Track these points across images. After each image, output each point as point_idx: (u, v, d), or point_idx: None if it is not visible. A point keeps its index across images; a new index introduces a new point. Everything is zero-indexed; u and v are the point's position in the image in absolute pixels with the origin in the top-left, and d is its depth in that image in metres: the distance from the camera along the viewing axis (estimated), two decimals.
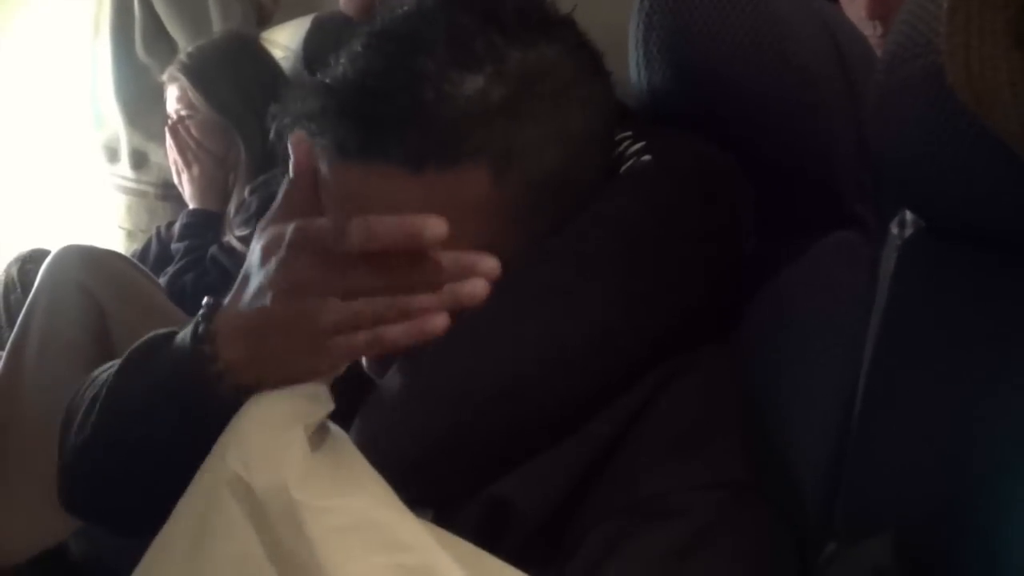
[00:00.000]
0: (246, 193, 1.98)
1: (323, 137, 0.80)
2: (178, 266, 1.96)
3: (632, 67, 0.93)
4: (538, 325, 0.79)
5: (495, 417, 0.78)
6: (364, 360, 0.84)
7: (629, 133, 0.88)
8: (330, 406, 0.74)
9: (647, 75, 0.92)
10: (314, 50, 2.07)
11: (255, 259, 0.79)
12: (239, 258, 1.87)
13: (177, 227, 2.06)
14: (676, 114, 0.92)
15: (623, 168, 0.86)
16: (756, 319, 0.89)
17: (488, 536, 0.72)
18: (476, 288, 0.73)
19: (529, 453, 0.78)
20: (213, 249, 1.95)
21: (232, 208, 2.01)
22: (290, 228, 0.76)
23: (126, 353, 0.90)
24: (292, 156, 0.82)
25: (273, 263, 0.77)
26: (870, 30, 1.40)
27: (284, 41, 2.18)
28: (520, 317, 0.79)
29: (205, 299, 0.85)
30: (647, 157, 0.85)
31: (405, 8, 0.82)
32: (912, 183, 0.74)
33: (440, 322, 0.73)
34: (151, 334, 0.90)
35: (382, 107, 0.77)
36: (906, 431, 0.76)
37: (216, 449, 0.74)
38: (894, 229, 0.83)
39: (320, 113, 0.79)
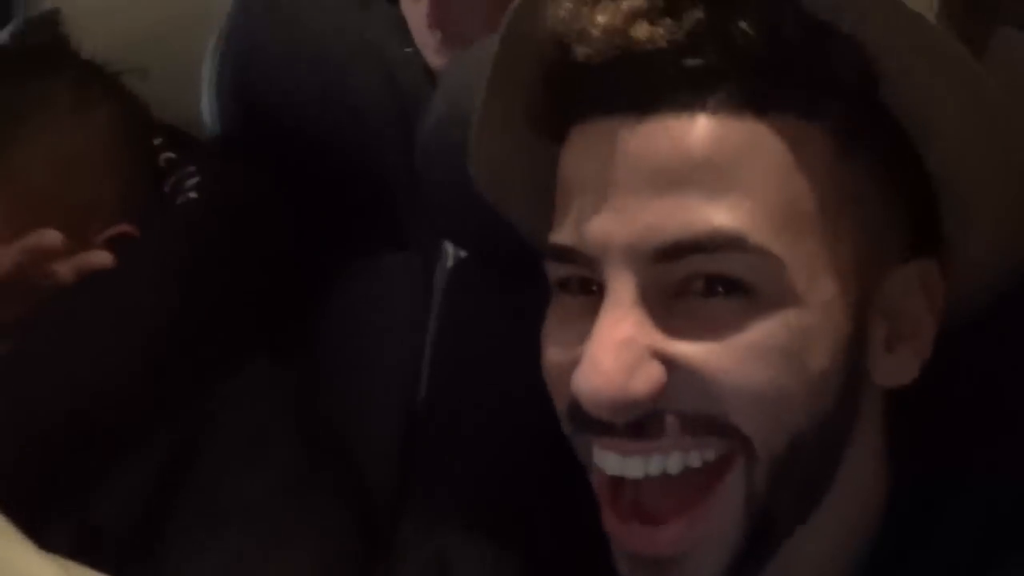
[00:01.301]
0: None
1: None
2: None
3: (205, 102, 1.00)
4: (89, 355, 0.85)
5: (50, 443, 0.83)
6: None
7: (192, 167, 0.96)
8: None
9: (219, 114, 1.00)
10: None
11: None
12: None
13: None
14: (245, 142, 1.00)
15: (178, 200, 0.94)
16: (328, 332, 0.98)
17: (80, 556, 0.77)
18: None
19: (98, 473, 0.84)
20: None
21: None
22: None
23: None
24: None
25: None
26: (430, 39, 1.46)
27: None
28: (73, 347, 0.86)
29: None
30: (194, 194, 0.94)
31: None
32: (450, 221, 0.86)
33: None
34: None
35: None
36: (467, 421, 0.88)
37: None
38: (447, 250, 0.94)
39: None
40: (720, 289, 0.55)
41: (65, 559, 0.73)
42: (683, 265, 0.55)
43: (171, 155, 0.98)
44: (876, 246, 0.58)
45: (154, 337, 0.87)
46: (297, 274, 0.98)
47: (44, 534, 0.74)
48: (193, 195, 0.94)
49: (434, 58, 1.18)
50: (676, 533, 0.57)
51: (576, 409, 0.57)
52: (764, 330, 0.55)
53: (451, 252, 0.95)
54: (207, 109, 1.02)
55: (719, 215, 0.54)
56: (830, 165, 0.56)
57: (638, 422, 0.56)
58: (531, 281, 0.64)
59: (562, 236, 0.59)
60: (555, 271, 0.61)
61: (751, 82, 0.55)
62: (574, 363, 0.56)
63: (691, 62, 0.55)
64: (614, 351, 0.54)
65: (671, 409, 0.56)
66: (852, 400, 0.59)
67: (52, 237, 0.89)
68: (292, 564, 0.82)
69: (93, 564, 0.76)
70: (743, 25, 0.54)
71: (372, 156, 0.98)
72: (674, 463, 0.57)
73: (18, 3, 2.15)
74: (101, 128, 0.94)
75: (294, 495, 0.85)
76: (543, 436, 0.65)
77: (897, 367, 0.60)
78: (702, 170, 0.55)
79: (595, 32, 0.56)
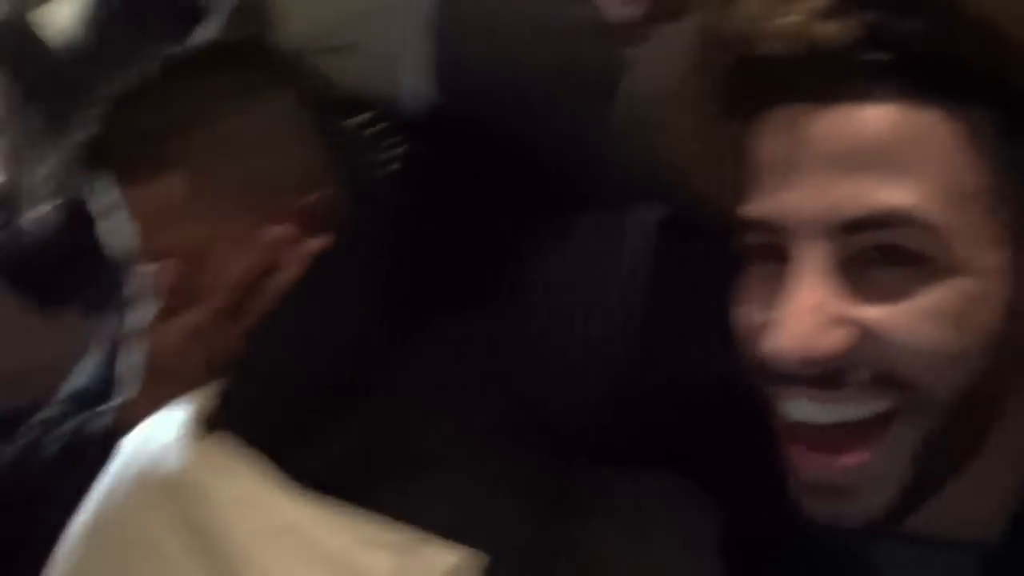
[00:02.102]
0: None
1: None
2: None
3: (408, 77, 1.06)
4: (319, 321, 0.96)
5: (278, 399, 0.93)
6: None
7: (395, 141, 1.03)
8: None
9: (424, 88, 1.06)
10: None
11: None
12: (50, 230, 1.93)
13: None
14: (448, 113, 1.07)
15: (379, 174, 1.02)
16: (524, 289, 1.04)
17: None
18: None
19: (315, 431, 0.92)
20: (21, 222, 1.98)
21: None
22: None
23: None
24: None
25: None
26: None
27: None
28: (305, 317, 0.96)
29: None
30: (396, 167, 1.02)
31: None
32: (644, 187, 0.93)
33: None
34: None
35: (113, 135, 0.98)
36: (662, 370, 0.96)
37: (123, 449, 0.89)
38: (642, 212, 1.02)
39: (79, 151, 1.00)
40: (896, 259, 0.63)
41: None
42: (864, 238, 0.63)
43: (373, 130, 1.04)
44: None
45: (371, 302, 0.96)
46: (496, 235, 1.06)
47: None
48: (395, 167, 1.02)
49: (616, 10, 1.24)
50: (854, 461, 0.65)
51: (766, 365, 0.65)
52: (935, 295, 0.62)
53: (646, 214, 1.02)
54: (410, 84, 1.06)
55: (894, 194, 0.62)
56: (993, 147, 0.63)
57: (822, 375, 0.64)
58: (720, 244, 0.72)
59: (754, 209, 0.67)
60: (749, 240, 0.69)
61: (921, 74, 0.62)
62: (764, 325, 0.65)
63: (867, 56, 0.62)
64: (804, 316, 0.63)
65: (853, 366, 0.64)
66: (1016, 357, 0.65)
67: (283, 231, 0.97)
68: (494, 502, 0.90)
69: None
70: (914, 23, 0.61)
71: (572, 121, 1.05)
72: (852, 411, 0.65)
73: None
74: (292, 109, 1.01)
75: (493, 440, 0.93)
76: (734, 385, 0.72)
77: None
78: (878, 154, 0.62)
79: (781, 30, 0.64)
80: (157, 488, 0.84)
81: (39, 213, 1.92)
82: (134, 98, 0.98)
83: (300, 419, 0.92)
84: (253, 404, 0.92)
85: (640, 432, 0.96)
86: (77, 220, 1.80)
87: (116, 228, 1.00)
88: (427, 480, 0.90)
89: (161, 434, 0.87)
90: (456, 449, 0.92)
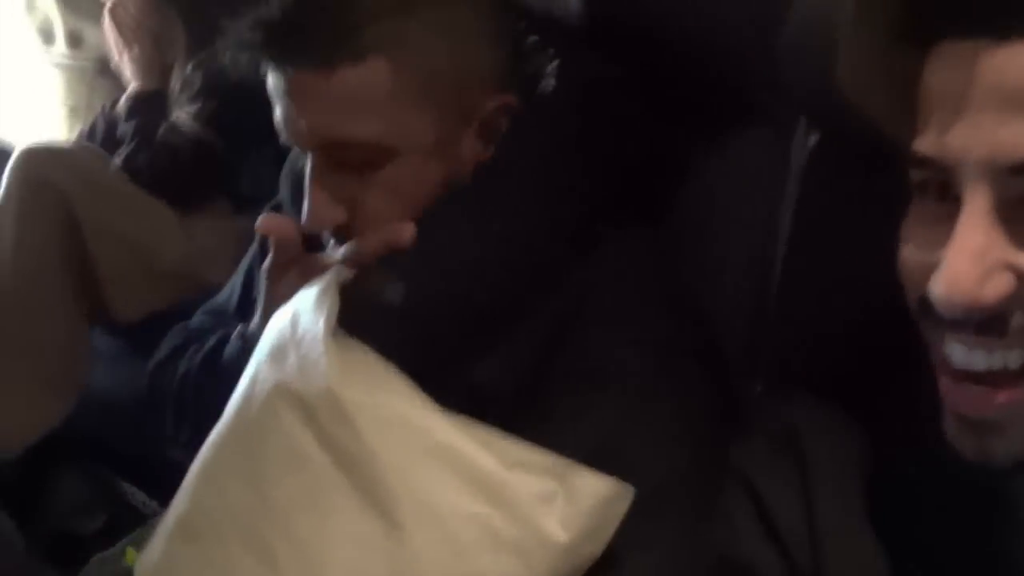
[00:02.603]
0: (188, 69, 2.06)
1: (263, 60, 0.97)
2: (131, 146, 2.01)
3: None
4: (481, 240, 0.95)
5: (449, 321, 0.94)
6: None
7: (553, 51, 1.02)
8: (337, 303, 0.89)
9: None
10: None
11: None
12: (188, 135, 1.98)
13: (123, 107, 2.10)
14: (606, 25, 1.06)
15: (540, 86, 1.01)
16: (686, 204, 1.06)
17: (474, 416, 0.89)
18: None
19: (493, 340, 0.94)
20: (162, 129, 2.03)
21: (176, 86, 2.08)
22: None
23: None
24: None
25: None
26: None
27: None
28: (464, 233, 0.95)
29: None
30: (553, 81, 1.01)
31: None
32: (812, 106, 0.92)
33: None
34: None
35: (297, 21, 0.93)
36: (819, 295, 0.95)
37: (257, 358, 0.90)
38: (804, 128, 0.99)
39: (261, 35, 0.95)
40: None
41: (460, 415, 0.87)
42: None
43: (535, 38, 1.03)
44: None
45: (537, 220, 0.96)
46: (656, 149, 1.05)
47: (440, 397, 0.88)
48: (553, 82, 1.01)
49: None
50: (1007, 397, 0.64)
51: (929, 305, 0.64)
52: None
53: (808, 130, 0.99)
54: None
55: None
56: None
57: (986, 321, 0.62)
58: (886, 166, 0.70)
59: (924, 145, 0.64)
60: (916, 175, 0.66)
61: None
62: (929, 263, 0.63)
63: None
64: (969, 260, 0.61)
65: (1015, 312, 0.62)
66: None
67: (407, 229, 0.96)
68: (661, 420, 0.91)
69: (482, 415, 0.88)
70: None
71: (730, 37, 1.02)
72: (1014, 358, 0.63)
73: None
74: (485, 6, 0.99)
75: (661, 357, 0.94)
76: (890, 318, 0.71)
77: None
78: None
79: None
80: (300, 403, 0.85)
81: (180, 118, 1.97)
82: None
83: (472, 330, 0.93)
84: (420, 316, 0.93)
85: (796, 358, 0.95)
86: (221, 122, 1.86)
87: (288, 118, 0.98)
88: (599, 394, 0.91)
89: (304, 340, 0.87)
90: (629, 364, 0.93)
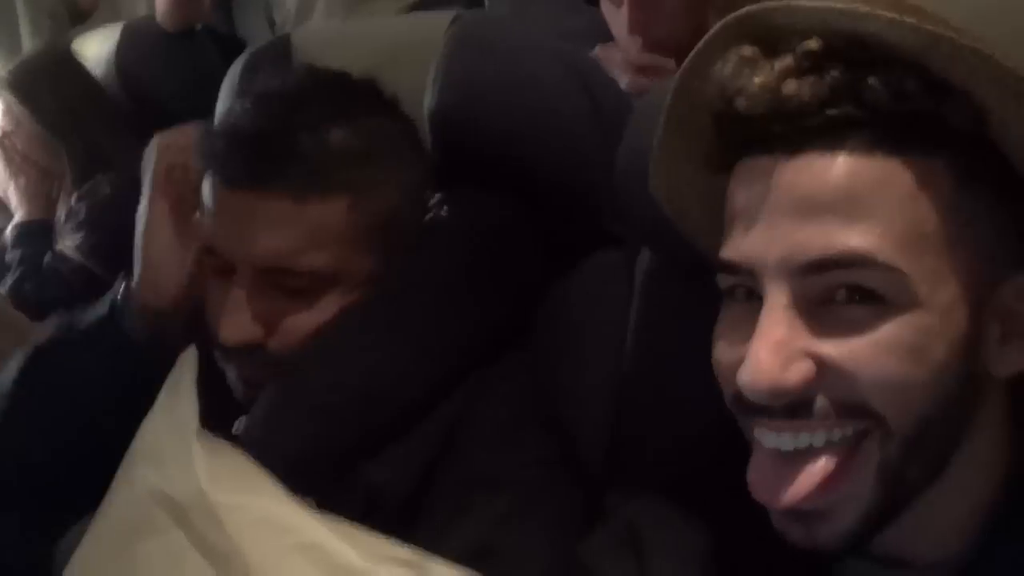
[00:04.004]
0: (73, 201, 2.11)
1: (219, 171, 1.03)
2: (16, 275, 2.05)
3: (428, 96, 1.14)
4: (388, 345, 1.03)
5: (357, 417, 1.00)
6: (236, 383, 1.07)
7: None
8: (197, 405, 0.93)
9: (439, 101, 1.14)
10: (127, 59, 2.17)
11: None
12: (72, 264, 2.02)
13: (8, 237, 2.14)
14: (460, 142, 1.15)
15: (428, 217, 1.09)
16: (545, 323, 1.14)
17: (363, 516, 0.94)
18: None
19: (382, 447, 1.00)
20: (48, 257, 2.06)
21: (61, 216, 2.13)
22: None
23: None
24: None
25: None
26: (632, 45, 1.51)
27: (93, 51, 2.25)
28: (373, 340, 1.02)
29: None
30: (445, 210, 1.10)
31: (284, 78, 1.09)
32: (645, 231, 1.01)
33: None
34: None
35: (272, 148, 1.00)
36: (661, 404, 1.03)
37: (130, 462, 0.94)
38: (645, 252, 1.09)
39: (220, 151, 1.02)
40: (857, 297, 0.68)
41: (339, 519, 0.91)
42: (826, 278, 0.68)
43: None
44: (990, 260, 0.69)
45: (438, 332, 1.04)
46: (529, 274, 1.13)
47: (337, 493, 0.93)
48: (444, 211, 1.10)
49: (624, 81, 1.31)
50: (820, 491, 0.70)
51: (740, 397, 0.71)
52: (894, 331, 0.67)
53: (648, 254, 1.08)
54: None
55: (854, 238, 0.67)
56: (948, 193, 0.68)
57: (790, 406, 0.69)
58: (711, 278, 0.77)
59: (729, 252, 0.73)
60: (724, 281, 0.75)
61: (881, 128, 0.68)
62: (739, 359, 0.70)
63: (831, 112, 0.68)
64: (771, 349, 0.68)
65: (817, 397, 0.69)
66: (973, 387, 0.70)
67: None
68: (537, 525, 0.97)
69: (376, 522, 0.93)
70: (873, 81, 0.67)
71: (577, 170, 1.11)
72: (819, 438, 0.70)
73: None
74: (420, 163, 1.10)
75: (538, 469, 1.01)
76: (725, 417, 0.77)
77: (1010, 360, 0.72)
78: (840, 200, 0.68)
79: (753, 89, 0.70)
80: (172, 505, 0.89)
81: (65, 247, 2.01)
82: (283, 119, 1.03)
83: (368, 431, 1.00)
84: (320, 414, 1.00)
85: (647, 461, 1.02)
86: (104, 252, 1.91)
87: (237, 235, 1.02)
88: (482, 499, 0.98)
89: (175, 442, 0.92)
90: (510, 476, 1.00)
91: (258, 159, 1.00)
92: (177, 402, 0.94)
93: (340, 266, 1.02)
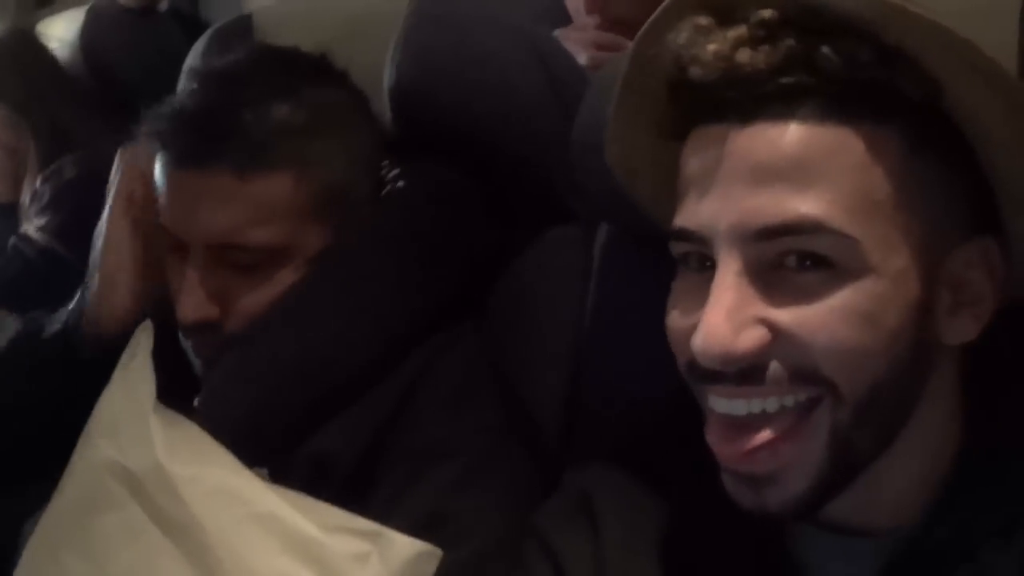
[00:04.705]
0: (38, 183, 2.09)
1: (166, 151, 1.04)
2: None
3: (388, 71, 1.14)
4: (333, 316, 1.03)
5: (302, 387, 1.01)
6: (195, 359, 1.07)
7: (386, 161, 1.12)
8: (153, 378, 0.96)
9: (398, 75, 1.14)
10: (92, 40, 2.16)
11: None
12: (37, 246, 2.00)
13: None
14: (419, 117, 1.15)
15: (384, 191, 1.10)
16: (502, 296, 1.14)
17: (314, 485, 0.95)
18: None
19: (331, 416, 1.00)
20: (12, 239, 2.04)
21: (26, 199, 2.11)
22: None
23: None
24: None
25: None
26: (589, 21, 1.49)
27: (58, 33, 2.24)
28: (318, 312, 1.03)
29: None
30: (401, 183, 1.10)
31: (228, 58, 1.09)
32: (602, 203, 1.02)
33: None
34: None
35: (216, 126, 1.01)
36: (616, 375, 1.03)
37: (87, 437, 0.94)
38: (603, 224, 1.09)
39: (167, 131, 1.03)
40: (808, 264, 0.68)
41: (292, 490, 0.92)
42: (777, 244, 0.68)
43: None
44: (940, 227, 0.70)
45: (386, 303, 1.05)
46: (487, 247, 1.14)
47: (287, 462, 0.95)
48: (400, 184, 1.10)
49: (583, 58, 1.31)
50: (771, 454, 0.71)
51: (694, 363, 0.71)
52: (845, 297, 0.68)
53: (606, 226, 1.09)
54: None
55: (805, 204, 0.67)
56: (899, 162, 0.68)
57: (743, 372, 0.70)
58: (665, 248, 0.77)
59: (682, 220, 0.73)
60: (677, 248, 0.75)
61: (834, 96, 0.68)
62: (692, 326, 0.70)
63: (784, 80, 0.68)
64: (724, 315, 0.68)
65: (769, 363, 0.69)
66: (924, 355, 0.71)
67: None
68: (488, 493, 0.99)
69: (320, 486, 0.95)
70: (826, 50, 0.67)
71: (535, 145, 1.11)
72: (771, 404, 0.71)
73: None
74: (370, 135, 1.11)
75: (490, 438, 1.02)
76: (679, 386, 0.78)
77: (960, 328, 0.72)
78: (792, 167, 0.68)
79: (707, 57, 0.70)
80: (128, 477, 0.89)
81: (30, 230, 2.00)
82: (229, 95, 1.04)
83: (317, 399, 1.00)
84: (270, 382, 1.01)
85: (602, 433, 1.02)
86: (68, 234, 1.91)
87: (185, 214, 1.03)
88: (433, 468, 0.98)
89: (130, 415, 0.92)
90: (462, 443, 1.00)
91: (202, 138, 1.01)
92: (133, 376, 0.94)
93: (291, 241, 1.02)
